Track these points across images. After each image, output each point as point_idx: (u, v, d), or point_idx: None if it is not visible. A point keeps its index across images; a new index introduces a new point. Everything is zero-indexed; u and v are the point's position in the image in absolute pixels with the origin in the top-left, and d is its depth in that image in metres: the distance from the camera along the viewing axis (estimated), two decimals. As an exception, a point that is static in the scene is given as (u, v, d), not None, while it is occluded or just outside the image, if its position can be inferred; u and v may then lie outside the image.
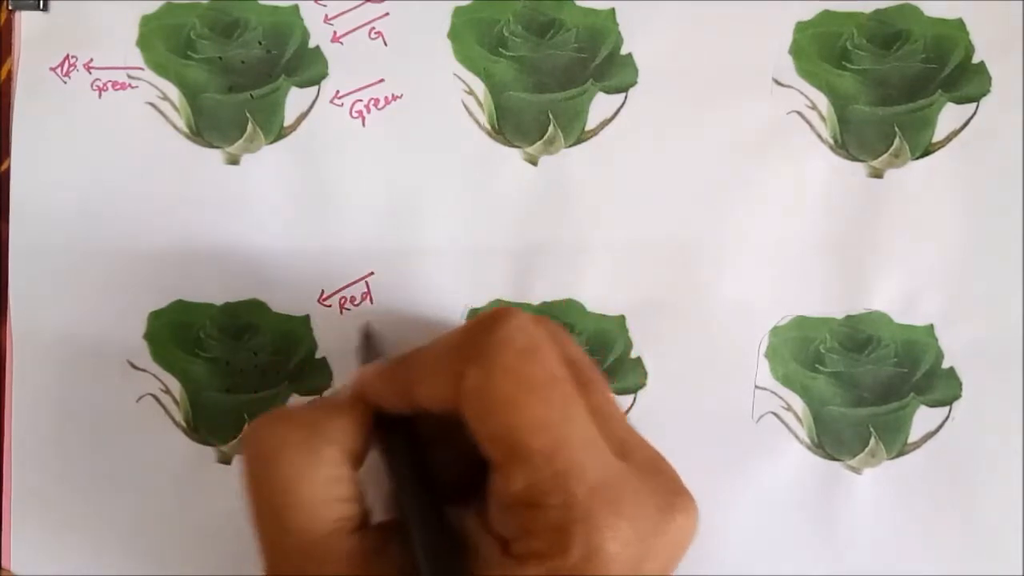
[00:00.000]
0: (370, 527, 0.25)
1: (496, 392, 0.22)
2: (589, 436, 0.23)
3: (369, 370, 0.27)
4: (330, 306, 0.32)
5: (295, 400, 0.32)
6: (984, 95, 0.32)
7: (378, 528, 0.25)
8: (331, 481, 0.24)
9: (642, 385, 0.33)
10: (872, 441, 0.32)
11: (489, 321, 0.23)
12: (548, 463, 0.22)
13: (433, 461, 0.26)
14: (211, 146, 0.32)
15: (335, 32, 0.32)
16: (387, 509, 0.27)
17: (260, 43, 0.32)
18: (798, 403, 0.33)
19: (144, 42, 0.32)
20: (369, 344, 0.30)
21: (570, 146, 0.32)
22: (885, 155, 0.32)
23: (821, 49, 0.32)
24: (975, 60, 0.32)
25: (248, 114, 0.32)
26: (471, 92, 0.32)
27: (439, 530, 0.24)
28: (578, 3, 0.32)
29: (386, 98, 0.32)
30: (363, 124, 0.32)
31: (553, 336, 0.25)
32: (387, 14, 0.32)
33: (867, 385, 0.32)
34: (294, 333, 0.32)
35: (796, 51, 0.32)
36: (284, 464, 0.24)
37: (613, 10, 0.32)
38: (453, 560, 0.23)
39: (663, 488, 0.24)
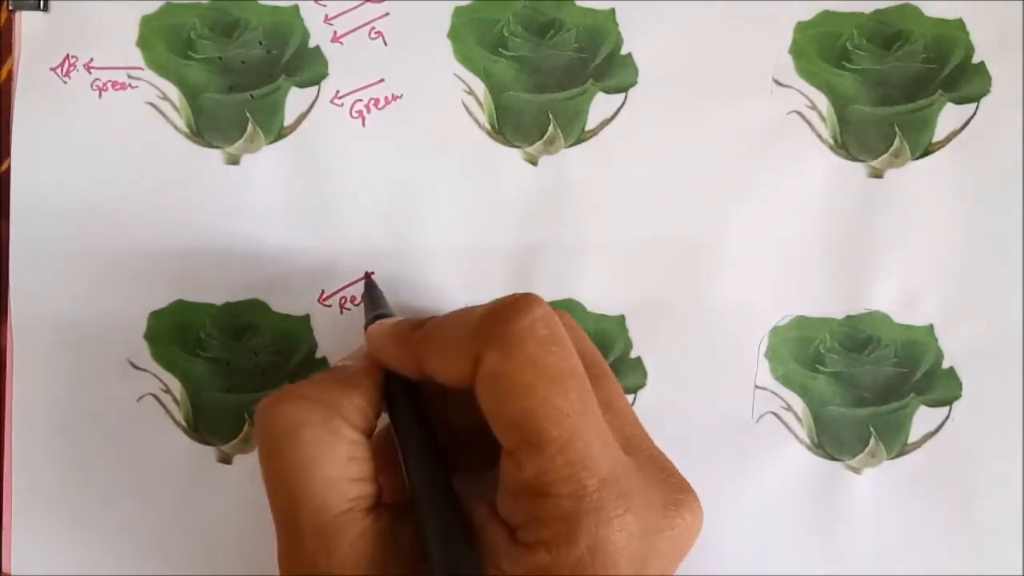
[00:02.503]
0: (383, 507, 0.25)
1: (516, 379, 0.22)
2: (602, 430, 0.23)
3: (382, 331, 0.27)
4: (330, 306, 0.32)
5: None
6: (984, 95, 0.32)
7: (390, 508, 0.25)
8: (349, 460, 0.24)
9: (642, 385, 0.33)
10: (872, 441, 0.32)
11: (512, 307, 0.23)
12: (561, 452, 0.22)
13: (439, 424, 0.26)
14: (211, 146, 0.32)
15: (335, 32, 0.32)
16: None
17: (260, 43, 0.32)
18: (798, 403, 0.33)
19: (144, 42, 0.32)
20: (373, 295, 0.30)
21: (570, 146, 0.32)
22: (885, 155, 0.32)
23: (821, 49, 0.32)
24: (975, 60, 0.32)
25: (248, 114, 0.32)
26: (471, 92, 0.32)
27: (449, 508, 0.24)
28: (578, 3, 0.32)
29: (386, 98, 0.32)
30: (363, 124, 0.32)
31: (569, 329, 0.25)
32: (387, 14, 0.32)
33: (867, 385, 0.32)
34: (294, 333, 0.32)
35: (796, 51, 0.32)
36: (303, 443, 0.24)
37: (613, 10, 0.32)
38: (462, 541, 0.23)
39: (669, 486, 0.24)
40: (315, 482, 0.24)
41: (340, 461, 0.24)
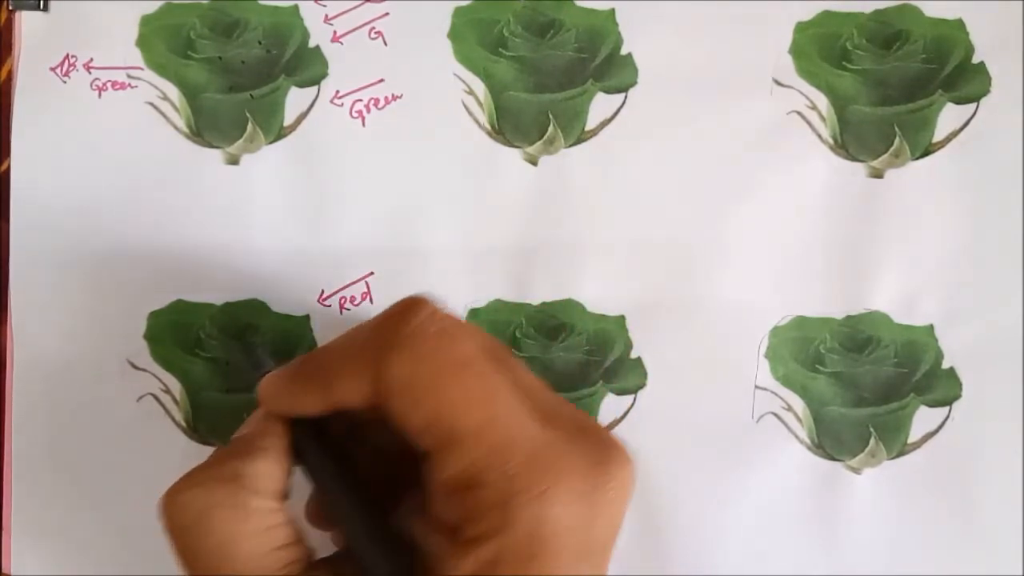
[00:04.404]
0: (318, 563, 0.25)
1: (420, 377, 0.22)
2: (515, 409, 0.23)
3: (272, 380, 0.26)
4: (330, 306, 0.32)
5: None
6: (984, 95, 0.32)
7: (326, 562, 0.25)
8: (267, 531, 0.24)
9: (642, 385, 0.33)
10: (872, 441, 0.32)
11: (400, 312, 0.24)
12: (479, 441, 0.22)
13: (356, 461, 0.26)
14: (211, 146, 0.32)
15: (335, 32, 0.32)
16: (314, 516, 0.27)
17: (260, 43, 0.32)
18: (798, 403, 0.33)
19: (144, 42, 0.32)
20: (252, 355, 0.30)
21: (570, 146, 0.32)
22: (885, 155, 0.32)
23: (821, 49, 0.32)
24: (975, 60, 0.32)
25: (248, 114, 0.32)
26: (471, 92, 0.32)
27: (379, 531, 0.24)
28: (578, 3, 0.32)
29: (386, 98, 0.32)
30: (363, 124, 0.32)
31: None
32: (387, 14, 0.32)
33: (867, 385, 0.32)
34: (294, 333, 0.32)
35: (796, 51, 0.32)
36: (215, 528, 0.23)
37: (613, 10, 0.32)
38: (403, 557, 0.23)
39: (593, 446, 0.24)
40: (237, 564, 0.23)
41: (258, 535, 0.23)
